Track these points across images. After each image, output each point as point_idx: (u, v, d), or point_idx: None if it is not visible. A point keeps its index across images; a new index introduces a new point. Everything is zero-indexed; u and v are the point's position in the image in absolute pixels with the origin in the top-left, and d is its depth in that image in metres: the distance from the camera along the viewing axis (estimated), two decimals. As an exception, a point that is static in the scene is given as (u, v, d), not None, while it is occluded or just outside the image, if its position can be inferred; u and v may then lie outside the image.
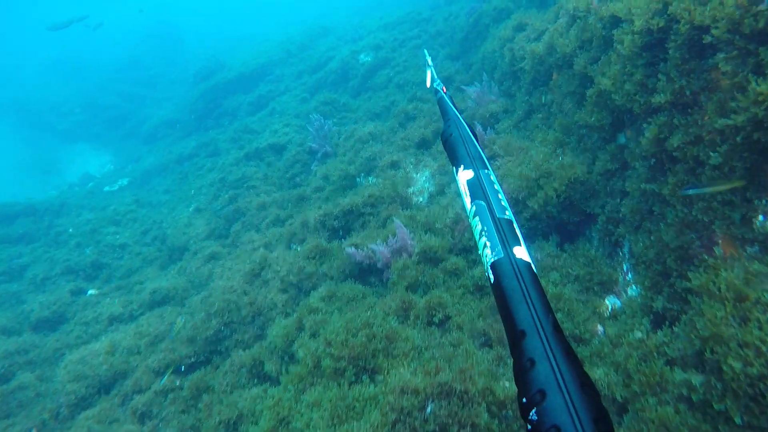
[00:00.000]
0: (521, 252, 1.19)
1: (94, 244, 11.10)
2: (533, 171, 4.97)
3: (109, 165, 23.37)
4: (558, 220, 4.92)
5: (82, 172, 21.93)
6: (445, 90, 2.79)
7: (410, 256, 4.95)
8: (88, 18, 23.28)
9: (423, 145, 8.01)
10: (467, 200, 1.45)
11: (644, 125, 3.87)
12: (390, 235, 5.20)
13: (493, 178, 1.53)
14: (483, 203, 1.39)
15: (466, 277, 4.70)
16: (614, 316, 4.13)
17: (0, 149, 24.78)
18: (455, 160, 1.74)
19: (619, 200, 4.41)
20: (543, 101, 6.45)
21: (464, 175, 1.58)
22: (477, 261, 4.87)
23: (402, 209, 6.07)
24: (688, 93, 3.39)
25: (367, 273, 5.52)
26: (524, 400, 0.85)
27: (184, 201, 12.45)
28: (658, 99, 3.55)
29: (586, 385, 0.83)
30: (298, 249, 6.65)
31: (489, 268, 1.18)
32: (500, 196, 1.42)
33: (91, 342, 6.98)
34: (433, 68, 3.72)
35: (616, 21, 4.41)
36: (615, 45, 4.21)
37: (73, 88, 30.68)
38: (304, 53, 19.75)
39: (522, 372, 0.89)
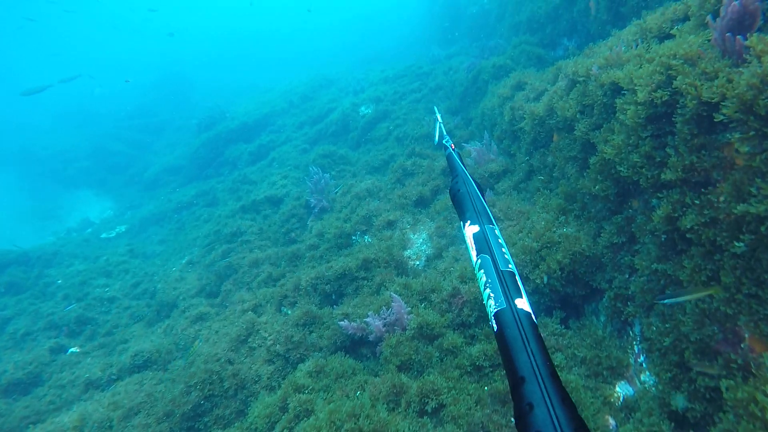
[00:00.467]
0: (522, 303, 1.28)
1: (82, 296, 10.72)
2: (535, 241, 4.69)
3: (109, 211, 23.28)
4: (562, 294, 4.58)
5: (81, 218, 21.80)
6: (453, 147, 3.00)
7: (404, 330, 4.59)
8: (79, 77, 23.84)
9: (421, 203, 7.78)
10: (473, 253, 1.57)
11: (653, 201, 3.62)
12: (384, 306, 4.86)
13: (497, 232, 1.64)
14: (488, 257, 1.49)
15: (464, 356, 4.32)
16: (627, 407, 3.72)
17: (1, 197, 24.82)
18: (462, 215, 1.88)
19: (627, 276, 4.09)
20: (544, 163, 6.26)
21: (471, 230, 1.70)
22: (475, 337, 4.50)
23: (397, 275, 5.75)
24: (699, 170, 3.15)
25: (359, 344, 5.14)
26: None
27: (178, 252, 12.16)
28: (669, 176, 3.31)
29: (580, 428, 0.91)
30: (289, 313, 6.29)
31: (492, 317, 1.28)
32: (504, 250, 1.53)
33: (62, 411, 6.51)
34: (441, 124, 3.90)
35: (617, 89, 4.25)
36: (618, 114, 4.03)
37: (82, 135, 31.14)
38: (306, 104, 20.02)
39: (522, 415, 0.96)
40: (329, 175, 11.34)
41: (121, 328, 9.04)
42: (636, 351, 3.96)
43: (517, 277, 1.42)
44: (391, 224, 7.27)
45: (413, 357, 4.38)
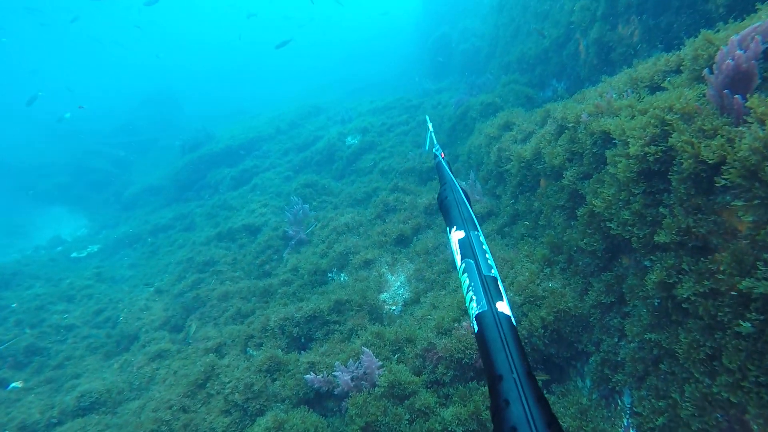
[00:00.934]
0: (503, 306, 1.35)
1: (37, 323, 10.05)
2: (518, 294, 4.37)
3: (84, 229, 22.50)
4: (545, 354, 4.24)
5: (52, 236, 20.99)
6: (443, 155, 3.02)
7: (374, 386, 4.18)
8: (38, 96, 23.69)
9: (401, 242, 7.46)
10: (458, 257, 1.63)
11: (646, 261, 3.34)
12: (353, 358, 4.46)
13: (482, 239, 1.71)
14: (471, 261, 1.55)
15: (436, 420, 3.91)
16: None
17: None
18: (449, 221, 1.92)
19: (616, 340, 3.78)
20: (530, 208, 6.02)
21: (456, 235, 1.76)
22: (450, 397, 4.11)
23: (371, 321, 5.37)
24: (697, 234, 2.89)
25: (325, 397, 4.70)
26: None
27: (148, 278, 11.59)
28: (663, 238, 3.04)
29: (553, 424, 0.96)
30: (254, 354, 5.83)
31: (474, 319, 1.35)
32: (487, 256, 1.60)
33: None
34: (433, 134, 3.96)
35: (608, 138, 4.04)
36: (609, 166, 3.79)
37: (64, 150, 30.46)
38: (293, 131, 19.84)
39: (497, 411, 1.02)
40: (309, 206, 11.03)
41: (75, 360, 8.41)
42: (625, 425, 3.61)
43: (500, 283, 1.48)
44: (368, 263, 6.91)
45: (380, 419, 3.96)
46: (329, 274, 7.38)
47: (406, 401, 4.05)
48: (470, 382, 4.14)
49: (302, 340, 5.70)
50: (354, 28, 51.13)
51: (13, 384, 8.12)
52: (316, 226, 9.28)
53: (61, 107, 36.00)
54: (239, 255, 9.80)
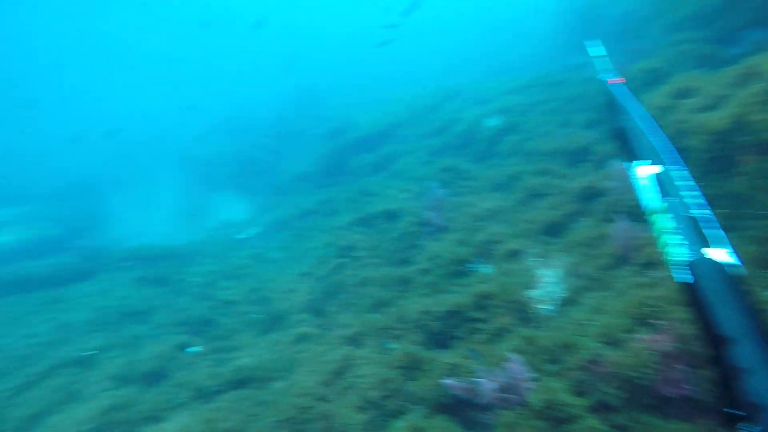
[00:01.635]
0: (721, 254, 1.18)
1: (208, 296, 11.40)
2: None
3: (247, 213, 25.27)
4: None
5: (224, 219, 23.95)
6: (622, 80, 2.61)
7: (522, 401, 3.66)
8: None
9: (552, 231, 6.65)
10: (652, 196, 1.52)
11: None
12: (499, 365, 3.98)
13: (686, 174, 1.57)
14: (675, 199, 1.47)
15: (608, 454, 3.25)
16: None
17: (163, 197, 28.40)
18: (635, 154, 1.75)
19: None
20: (724, 191, 4.81)
21: (648, 170, 1.62)
22: (626, 430, 3.39)
23: (519, 322, 4.79)
24: None
25: (467, 405, 4.30)
26: (731, 411, 0.78)
27: (295, 260, 12.39)
28: None
29: None
30: (392, 348, 5.69)
31: (683, 267, 1.21)
32: (697, 193, 1.50)
33: (173, 414, 6.71)
34: (603, 58, 3.20)
35: None
36: None
37: (230, 143, 34.63)
38: (430, 115, 19.54)
39: (728, 381, 0.84)
40: (449, 190, 10.64)
41: (235, 334, 9.29)
42: None
43: (718, 226, 1.30)
44: (514, 255, 6.29)
45: (535, 444, 3.44)
46: (470, 265, 6.92)
47: (565, 426, 3.45)
48: (648, 412, 3.37)
49: (441, 336, 5.37)
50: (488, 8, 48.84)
51: (192, 348, 9.27)
52: (458, 211, 8.86)
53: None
54: (378, 241, 9.83)
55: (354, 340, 6.24)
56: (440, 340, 5.29)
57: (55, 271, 15.22)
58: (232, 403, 6.01)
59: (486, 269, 6.56)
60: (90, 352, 10.11)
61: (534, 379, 3.74)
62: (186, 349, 9.24)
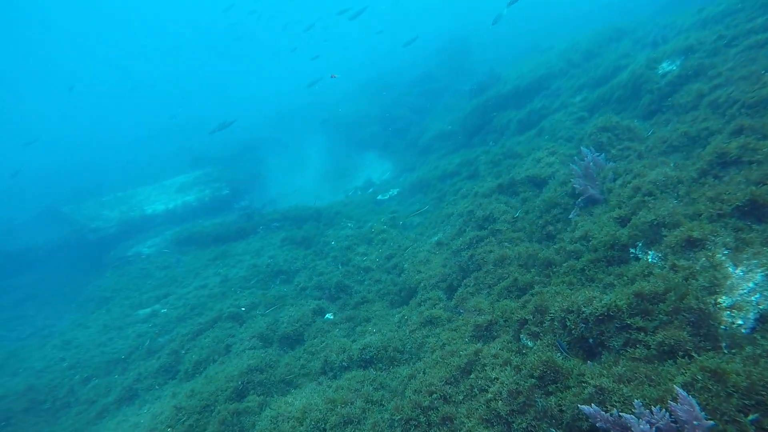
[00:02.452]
0: None
1: (345, 261, 11.80)
2: None
3: (388, 173, 25.71)
4: None
5: (365, 179, 24.73)
6: None
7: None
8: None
9: (751, 214, 5.15)
10: None
11: None
12: (662, 400, 3.12)
13: None
14: None
15: None
16: None
17: (315, 157, 30.31)
18: None
19: None
20: None
21: None
22: None
23: (697, 340, 3.75)
24: None
25: (618, 434, 3.54)
26: None
27: (432, 227, 12.10)
28: None
29: None
30: (529, 345, 5.05)
31: None
32: None
33: (296, 389, 7.04)
34: None
35: None
36: None
37: (376, 103, 35.23)
38: (588, 63, 17.12)
39: None
40: (606, 155, 9.19)
41: (367, 304, 9.42)
42: None
43: None
44: (693, 244, 5.01)
45: None
46: (632, 251, 5.78)
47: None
48: None
49: (590, 344, 4.55)
50: None
51: (328, 315, 9.71)
52: (617, 181, 7.52)
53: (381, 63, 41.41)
54: (521, 212, 8.95)
55: (486, 332, 5.72)
56: (587, 348, 4.45)
57: (223, 230, 17.34)
58: (356, 383, 6.03)
59: (652, 258, 5.39)
60: (243, 308, 11.27)
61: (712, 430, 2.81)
62: (323, 316, 9.71)
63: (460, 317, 6.61)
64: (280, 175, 29.23)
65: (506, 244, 8.02)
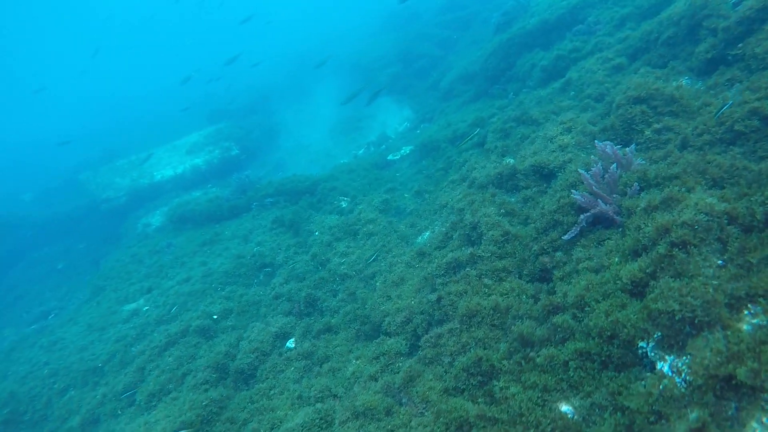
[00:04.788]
0: None
1: (323, 262, 10.19)
2: None
3: (406, 123, 23.17)
4: None
5: (380, 132, 22.43)
6: None
7: None
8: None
9: None
10: None
11: None
12: None
13: None
14: None
15: None
16: None
17: (329, 107, 27.92)
18: None
19: None
20: None
21: None
22: None
23: None
24: None
25: None
26: None
27: (425, 217, 10.13)
28: None
29: None
30: None
31: None
32: None
33: None
34: None
35: None
36: None
37: (400, 38, 31.57)
38: (634, -14, 13.54)
39: None
40: (636, 143, 6.80)
41: (331, 334, 7.88)
42: None
43: None
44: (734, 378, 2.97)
45: None
46: (642, 345, 3.76)
47: None
48: None
49: None
50: None
51: (290, 343, 8.28)
52: (632, 189, 5.22)
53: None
54: (514, 227, 6.82)
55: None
56: None
57: (216, 208, 16.05)
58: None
59: (672, 372, 3.36)
60: (215, 317, 10.10)
61: None
62: (284, 342, 8.31)
63: (401, 410, 4.91)
64: (294, 129, 27.33)
65: (486, 280, 6.05)
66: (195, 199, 18.33)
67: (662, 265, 4.19)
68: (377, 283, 8.19)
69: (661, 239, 4.39)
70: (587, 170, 6.08)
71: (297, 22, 62.19)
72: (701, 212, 4.30)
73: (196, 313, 10.27)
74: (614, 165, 5.75)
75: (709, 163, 5.61)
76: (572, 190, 5.95)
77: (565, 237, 5.81)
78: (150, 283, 13.49)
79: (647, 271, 4.22)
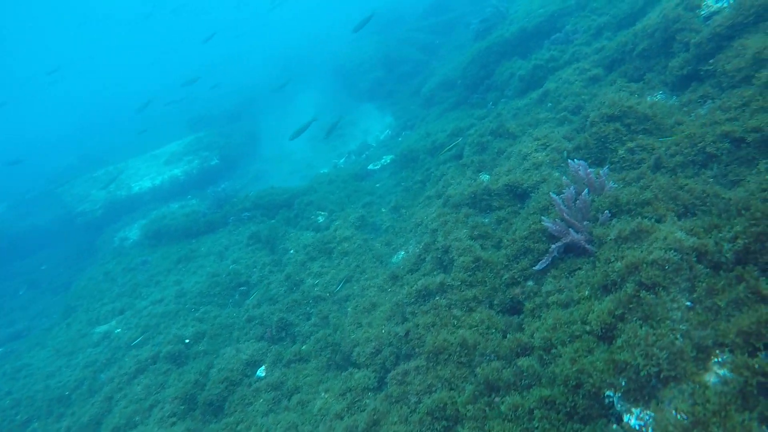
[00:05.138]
0: None
1: (297, 284, 9.91)
2: None
3: (388, 130, 22.92)
4: None
5: (361, 141, 22.15)
6: None
7: None
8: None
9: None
10: None
11: None
12: None
13: None
14: None
15: None
16: None
17: (312, 112, 27.56)
18: None
19: None
20: None
21: None
22: None
23: None
24: None
25: None
26: None
27: (402, 234, 9.90)
28: None
29: None
30: None
31: None
32: None
33: None
34: None
35: None
36: None
37: (382, 42, 31.19)
38: (613, -6, 13.46)
39: None
40: (610, 162, 6.66)
41: (302, 363, 7.61)
42: None
43: None
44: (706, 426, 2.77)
45: None
46: (609, 394, 3.57)
47: None
48: None
49: None
50: None
51: (260, 371, 7.99)
52: (606, 214, 5.02)
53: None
54: (485, 252, 6.61)
55: None
56: None
57: (192, 223, 15.67)
58: None
59: (638, 426, 3.15)
60: (187, 340, 9.78)
61: None
62: (255, 371, 8.02)
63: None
64: (276, 136, 26.92)
65: (455, 311, 5.83)
66: (171, 213, 17.90)
67: (630, 306, 3.99)
68: (349, 309, 7.93)
69: (630, 277, 4.20)
70: (559, 194, 5.89)
71: (289, 21, 61.51)
72: (670, 248, 4.12)
73: (168, 336, 9.93)
74: (586, 190, 5.56)
75: (681, 188, 5.45)
76: (543, 217, 5.75)
77: (537, 267, 5.61)
78: (123, 303, 13.09)
79: (616, 313, 4.03)
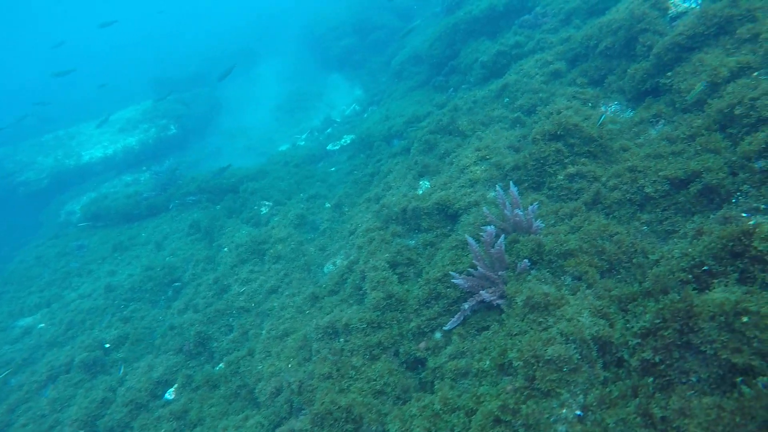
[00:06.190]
0: None
1: (222, 290, 9.22)
2: None
3: (355, 104, 21.75)
4: None
5: (325, 116, 21.00)
6: None
7: None
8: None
9: None
10: None
11: None
12: None
13: None
14: None
15: None
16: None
17: (277, 81, 26.07)
18: None
19: None
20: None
21: None
22: None
23: None
24: None
25: None
26: None
27: (334, 242, 9.18)
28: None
29: None
30: None
31: None
32: None
33: None
34: None
35: None
36: None
37: (354, 3, 29.27)
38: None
39: None
40: (549, 188, 5.99)
41: (210, 389, 7.02)
42: None
43: None
44: None
45: None
46: None
47: None
48: None
49: None
50: None
51: (168, 394, 7.40)
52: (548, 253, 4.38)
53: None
54: (403, 280, 5.97)
55: None
56: None
57: (133, 207, 14.63)
58: None
59: None
60: (108, 345, 9.15)
61: None
62: (164, 393, 7.42)
63: None
64: (239, 105, 25.53)
65: (355, 359, 5.23)
66: (113, 193, 16.82)
67: (517, 408, 3.41)
68: (264, 331, 7.29)
69: (524, 370, 3.59)
70: (484, 227, 5.18)
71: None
72: (573, 340, 3.51)
73: (88, 340, 9.25)
74: (502, 237, 4.87)
75: (611, 237, 4.80)
76: (452, 273, 5.08)
77: (446, 327, 4.98)
78: (51, 293, 12.29)
79: (501, 419, 3.44)
